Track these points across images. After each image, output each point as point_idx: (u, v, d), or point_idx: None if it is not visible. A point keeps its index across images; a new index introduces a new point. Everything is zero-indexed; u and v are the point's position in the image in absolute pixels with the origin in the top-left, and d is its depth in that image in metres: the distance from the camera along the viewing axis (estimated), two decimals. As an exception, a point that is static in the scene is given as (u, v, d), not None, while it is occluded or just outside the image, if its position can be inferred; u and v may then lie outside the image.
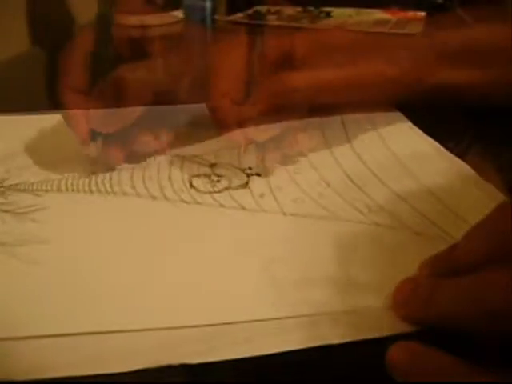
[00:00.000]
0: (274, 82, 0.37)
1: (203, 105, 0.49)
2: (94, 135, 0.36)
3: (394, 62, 0.40)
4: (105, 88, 0.36)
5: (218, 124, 0.38)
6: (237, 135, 0.37)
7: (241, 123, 0.36)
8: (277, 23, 0.80)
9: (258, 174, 0.37)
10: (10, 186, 0.35)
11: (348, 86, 0.39)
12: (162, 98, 0.38)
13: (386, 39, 0.44)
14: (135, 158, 0.38)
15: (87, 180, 0.36)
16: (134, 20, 0.72)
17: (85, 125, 0.36)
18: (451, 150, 0.39)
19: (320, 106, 0.39)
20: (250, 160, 0.39)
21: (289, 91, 0.36)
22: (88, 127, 0.36)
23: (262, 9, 0.87)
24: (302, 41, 0.40)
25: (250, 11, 0.87)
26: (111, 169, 0.37)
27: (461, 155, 0.39)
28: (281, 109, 0.36)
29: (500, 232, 0.23)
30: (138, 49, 0.39)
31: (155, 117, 0.39)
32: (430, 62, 0.41)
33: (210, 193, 0.35)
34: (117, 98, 0.35)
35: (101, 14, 0.38)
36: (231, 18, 0.85)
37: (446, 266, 0.25)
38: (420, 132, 0.43)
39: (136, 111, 0.36)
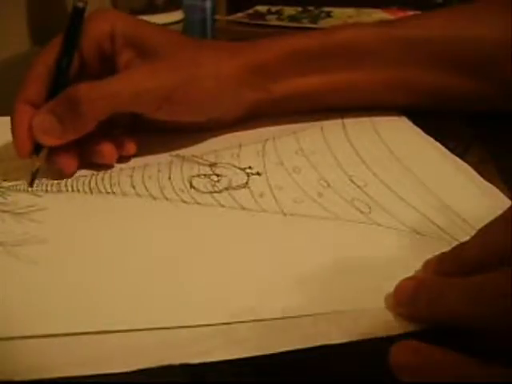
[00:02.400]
0: (66, 92, 0.35)
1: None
2: (37, 148, 0.35)
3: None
4: (59, 104, 0.35)
5: (12, 133, 0.35)
6: (21, 140, 0.35)
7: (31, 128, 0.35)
8: (277, 23, 0.80)
9: (258, 174, 0.37)
10: (10, 186, 0.35)
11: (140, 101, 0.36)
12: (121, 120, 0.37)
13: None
14: (96, 166, 0.37)
15: (87, 180, 0.36)
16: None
17: (27, 142, 0.35)
18: (451, 150, 0.39)
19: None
20: (250, 159, 0.39)
21: (75, 103, 0.34)
22: (30, 145, 0.35)
23: (262, 9, 0.87)
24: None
25: (250, 11, 0.87)
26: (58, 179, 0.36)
27: (461, 155, 0.39)
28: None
29: (510, 232, 0.23)
30: (109, 56, 0.38)
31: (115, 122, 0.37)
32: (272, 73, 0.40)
33: (210, 193, 0.35)
34: (70, 116, 0.34)
35: (69, 26, 0.37)
36: (231, 17, 0.85)
37: (453, 266, 0.25)
38: (421, 132, 0.43)
39: (88, 126, 0.35)
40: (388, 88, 0.42)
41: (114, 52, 0.37)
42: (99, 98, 0.34)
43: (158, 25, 0.39)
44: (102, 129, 0.36)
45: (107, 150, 0.37)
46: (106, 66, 0.38)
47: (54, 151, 0.36)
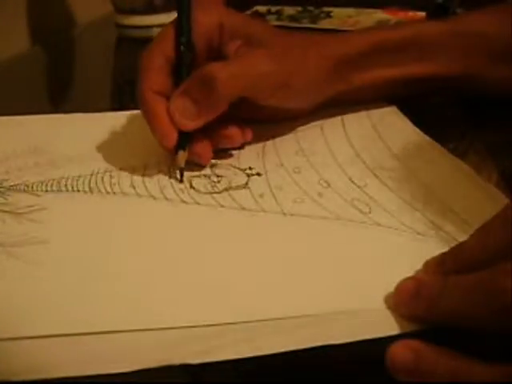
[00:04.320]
0: (198, 72, 0.35)
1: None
2: (181, 142, 0.36)
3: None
4: (193, 86, 0.35)
5: (149, 122, 0.36)
6: (168, 128, 0.35)
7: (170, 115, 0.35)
8: (277, 23, 0.80)
9: (259, 174, 0.37)
10: (10, 186, 0.35)
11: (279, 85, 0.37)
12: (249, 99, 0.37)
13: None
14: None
15: (87, 180, 0.36)
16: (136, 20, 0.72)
17: (173, 130, 0.35)
18: (451, 150, 0.39)
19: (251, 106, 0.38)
20: (251, 160, 0.39)
21: (210, 82, 0.34)
22: (175, 136, 0.35)
23: (262, 9, 0.87)
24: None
25: (249, 11, 0.87)
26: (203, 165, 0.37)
27: (461, 155, 0.39)
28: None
29: (509, 231, 0.23)
30: (216, 48, 0.39)
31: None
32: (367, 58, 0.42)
33: (210, 193, 0.35)
34: (205, 96, 0.35)
35: (180, 12, 0.38)
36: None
37: (453, 265, 0.25)
38: (421, 132, 0.43)
39: (222, 106, 0.36)
40: (458, 80, 0.43)
41: (222, 42, 0.39)
42: (233, 76, 0.35)
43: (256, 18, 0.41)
44: (227, 115, 0.37)
45: (236, 133, 0.38)
46: (211, 57, 0.39)
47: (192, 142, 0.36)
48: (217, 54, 0.39)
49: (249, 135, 0.39)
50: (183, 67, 0.37)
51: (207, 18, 0.38)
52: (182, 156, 0.36)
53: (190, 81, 0.36)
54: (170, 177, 0.36)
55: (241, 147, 0.40)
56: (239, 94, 0.36)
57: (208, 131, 0.37)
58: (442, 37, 0.43)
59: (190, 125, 0.35)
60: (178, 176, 0.36)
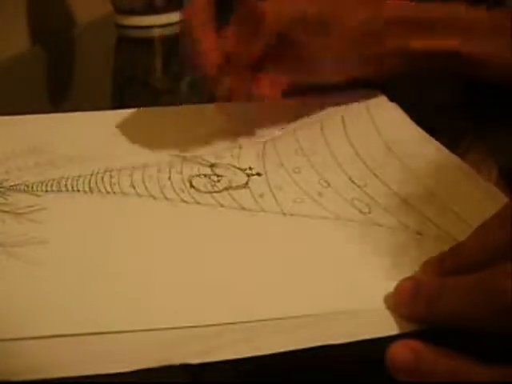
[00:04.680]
0: (247, 6, 0.38)
1: (204, 105, 0.49)
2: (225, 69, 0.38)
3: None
4: (242, 19, 0.38)
5: (194, 46, 0.39)
6: (211, 53, 0.38)
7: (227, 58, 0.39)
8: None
9: (259, 174, 0.37)
10: (10, 186, 0.35)
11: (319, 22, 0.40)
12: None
13: None
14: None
15: (87, 180, 0.36)
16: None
17: (215, 59, 0.38)
18: (451, 150, 0.39)
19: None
20: (250, 160, 0.39)
21: (259, 15, 0.38)
22: (218, 64, 0.38)
23: (262, 9, 0.87)
24: None
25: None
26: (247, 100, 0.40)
27: (461, 155, 0.39)
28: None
29: (508, 230, 0.23)
30: None
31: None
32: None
33: (210, 193, 0.35)
34: (253, 29, 0.38)
35: None
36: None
37: (452, 265, 0.25)
38: (421, 132, 0.43)
39: (267, 37, 0.38)
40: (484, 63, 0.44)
41: None
42: (279, 10, 0.38)
43: None
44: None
45: (265, 82, 0.40)
46: None
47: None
48: None
49: (284, 84, 0.40)
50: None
51: None
52: (225, 81, 0.39)
53: (238, 14, 0.39)
54: (170, 177, 0.36)
55: (241, 147, 0.40)
56: (282, 28, 0.39)
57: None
58: (477, 18, 0.43)
59: (242, 48, 0.38)
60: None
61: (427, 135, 0.42)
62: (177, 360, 0.22)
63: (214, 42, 0.38)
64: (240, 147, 0.41)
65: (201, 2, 0.40)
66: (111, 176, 0.37)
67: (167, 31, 0.81)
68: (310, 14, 0.40)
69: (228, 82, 0.39)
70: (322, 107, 0.44)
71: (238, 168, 0.38)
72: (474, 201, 0.33)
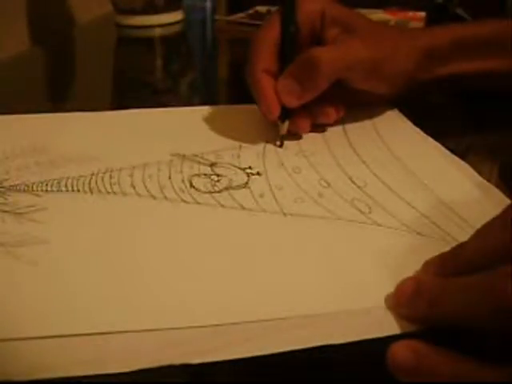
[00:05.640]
0: (303, 56, 0.40)
1: (204, 106, 0.49)
2: (284, 115, 0.40)
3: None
4: (298, 67, 0.40)
5: (258, 97, 0.41)
6: (273, 103, 0.40)
7: (277, 96, 0.40)
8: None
9: (259, 174, 0.37)
10: (10, 186, 0.35)
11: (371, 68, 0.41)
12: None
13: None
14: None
15: (87, 180, 0.36)
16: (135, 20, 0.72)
17: (277, 105, 0.40)
18: (451, 150, 0.39)
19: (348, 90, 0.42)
20: (250, 160, 0.39)
21: (314, 64, 0.39)
22: (279, 107, 0.40)
23: (262, 9, 0.87)
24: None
25: (250, 11, 0.87)
26: (298, 137, 0.42)
27: (461, 155, 0.39)
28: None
29: (510, 232, 0.23)
30: (317, 34, 0.43)
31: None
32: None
33: (210, 193, 0.35)
34: (308, 77, 0.39)
35: (285, 2, 0.43)
36: (231, 18, 0.85)
37: (453, 266, 0.25)
38: (421, 132, 0.43)
39: (323, 85, 0.40)
40: None
41: (323, 29, 0.43)
42: (334, 60, 0.40)
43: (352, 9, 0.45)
44: (324, 96, 0.41)
45: (331, 111, 0.42)
46: (313, 41, 0.43)
47: (293, 116, 0.41)
48: (317, 39, 0.43)
49: (341, 113, 0.43)
50: (289, 50, 0.42)
51: (312, 7, 0.43)
52: (285, 125, 0.41)
53: (295, 64, 0.40)
54: (170, 177, 0.36)
55: (241, 147, 0.40)
56: (338, 75, 0.40)
57: (308, 108, 0.41)
58: None
59: (295, 102, 0.40)
60: (278, 143, 0.41)
61: (426, 136, 0.42)
62: (177, 360, 0.22)
63: (273, 93, 0.40)
64: (240, 147, 0.41)
65: (263, 51, 0.42)
66: (111, 176, 0.37)
67: (167, 31, 0.81)
68: (364, 59, 0.41)
69: (287, 125, 0.41)
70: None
71: (238, 168, 0.38)
72: (474, 201, 0.33)
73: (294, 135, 0.42)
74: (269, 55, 0.41)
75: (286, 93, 0.40)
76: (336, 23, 0.42)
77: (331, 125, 0.43)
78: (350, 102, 0.44)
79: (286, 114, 0.41)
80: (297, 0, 0.43)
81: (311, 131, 0.43)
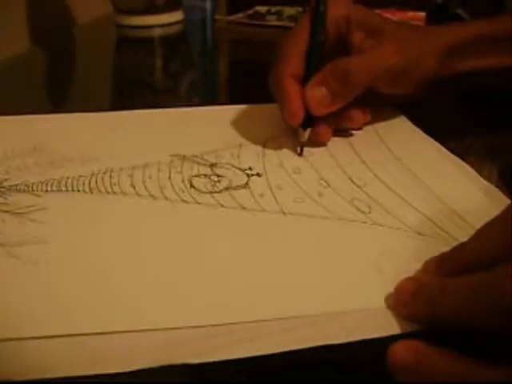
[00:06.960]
0: (333, 65, 0.40)
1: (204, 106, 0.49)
2: (307, 122, 0.40)
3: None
4: (328, 76, 0.39)
5: (282, 101, 0.40)
6: (298, 109, 0.39)
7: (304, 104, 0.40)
8: (277, 23, 0.81)
9: (258, 174, 0.37)
10: (10, 186, 0.35)
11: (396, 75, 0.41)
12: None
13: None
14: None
15: (87, 180, 0.36)
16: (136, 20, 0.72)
17: (302, 112, 0.39)
18: (451, 150, 0.39)
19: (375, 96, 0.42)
20: (251, 160, 0.39)
21: (345, 74, 0.39)
22: (303, 114, 0.39)
23: (262, 9, 0.87)
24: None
25: (250, 11, 0.87)
26: (322, 144, 0.41)
27: (461, 155, 0.39)
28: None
29: (510, 232, 0.23)
30: (343, 38, 0.43)
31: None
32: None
33: (210, 193, 0.35)
34: (339, 86, 0.39)
35: (317, 8, 0.42)
36: (231, 18, 0.85)
37: (453, 266, 0.25)
38: (421, 132, 0.43)
39: (353, 94, 0.40)
40: None
41: (349, 33, 0.42)
42: (365, 70, 0.40)
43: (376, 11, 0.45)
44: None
45: (357, 115, 0.42)
46: (339, 46, 0.43)
47: (316, 123, 0.41)
48: (343, 43, 0.42)
49: (368, 116, 0.43)
50: (316, 58, 0.41)
51: (338, 12, 0.43)
52: (306, 133, 0.40)
53: (325, 72, 0.40)
54: (170, 177, 0.36)
55: (241, 147, 0.40)
56: (369, 84, 0.40)
57: (331, 115, 0.41)
58: None
59: (324, 111, 0.40)
60: (299, 150, 0.40)
61: (427, 136, 0.42)
62: (177, 360, 0.22)
63: (299, 99, 0.39)
64: (240, 147, 0.41)
65: (292, 56, 0.41)
66: (111, 176, 0.37)
67: (167, 31, 0.81)
68: (394, 66, 0.40)
69: (308, 133, 0.40)
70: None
71: (238, 168, 0.38)
72: (475, 201, 0.33)
73: (315, 143, 0.41)
74: (296, 61, 0.41)
75: (316, 101, 0.39)
76: (362, 27, 0.42)
77: (358, 129, 0.43)
78: (376, 105, 0.43)
79: (310, 121, 0.40)
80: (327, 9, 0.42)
81: (339, 136, 0.42)
